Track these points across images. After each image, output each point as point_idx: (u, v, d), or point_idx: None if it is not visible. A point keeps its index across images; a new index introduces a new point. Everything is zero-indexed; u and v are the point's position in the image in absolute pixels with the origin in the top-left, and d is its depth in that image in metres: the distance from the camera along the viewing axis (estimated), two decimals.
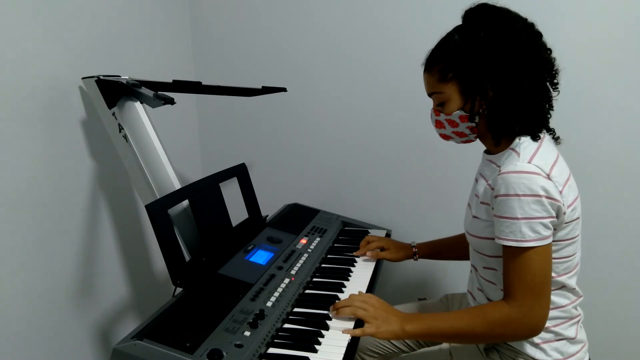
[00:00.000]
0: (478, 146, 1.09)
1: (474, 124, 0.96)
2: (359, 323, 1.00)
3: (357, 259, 1.32)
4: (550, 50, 0.94)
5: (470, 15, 0.94)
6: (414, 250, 1.32)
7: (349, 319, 1.01)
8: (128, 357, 0.79)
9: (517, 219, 0.86)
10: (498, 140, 0.96)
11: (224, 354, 0.81)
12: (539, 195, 0.85)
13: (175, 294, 1.00)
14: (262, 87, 1.45)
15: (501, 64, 0.88)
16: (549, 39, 0.95)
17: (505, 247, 0.89)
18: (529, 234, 0.86)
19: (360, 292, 1.08)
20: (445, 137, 1.04)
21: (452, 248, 1.30)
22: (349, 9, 1.61)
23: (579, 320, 1.00)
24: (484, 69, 0.90)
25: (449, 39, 0.95)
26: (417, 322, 0.96)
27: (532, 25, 0.92)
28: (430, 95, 1.00)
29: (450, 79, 0.94)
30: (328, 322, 0.99)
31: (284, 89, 1.50)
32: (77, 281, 1.24)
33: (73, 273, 1.23)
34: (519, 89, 0.89)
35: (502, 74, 0.89)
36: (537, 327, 0.89)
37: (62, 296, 1.20)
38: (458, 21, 0.98)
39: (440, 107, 0.98)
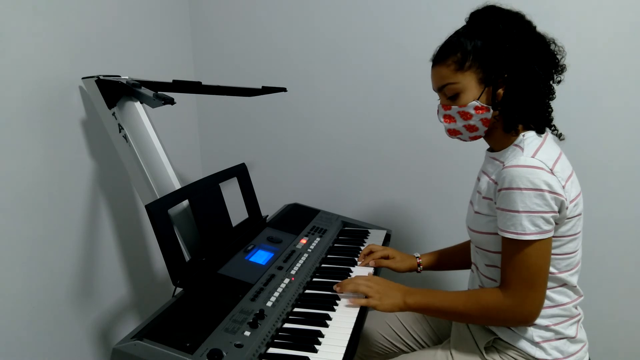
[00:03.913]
0: (478, 146, 1.09)
1: (487, 117, 0.96)
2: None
3: (356, 259, 1.32)
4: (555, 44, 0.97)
5: (479, 15, 0.97)
6: (417, 261, 1.30)
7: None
8: (128, 357, 0.79)
9: (518, 212, 0.87)
10: (510, 130, 0.96)
11: (224, 354, 0.81)
12: (541, 190, 0.86)
13: (175, 294, 1.00)
14: (262, 87, 1.45)
15: (520, 52, 0.91)
16: None
17: (504, 239, 0.91)
18: (529, 227, 0.87)
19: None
20: (454, 132, 1.03)
21: (455, 256, 1.29)
22: (349, 9, 1.61)
23: (579, 320, 1.01)
24: (505, 57, 0.92)
25: (462, 34, 0.96)
26: (418, 296, 1.02)
27: (535, 26, 0.96)
28: (440, 89, 0.99)
29: (468, 68, 0.94)
30: (328, 321, 0.99)
31: (284, 89, 1.50)
32: (77, 281, 1.24)
33: (73, 273, 1.23)
34: (536, 78, 0.92)
35: (520, 62, 0.91)
36: (528, 318, 0.92)
37: (63, 296, 1.20)
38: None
39: (451, 99, 0.98)
